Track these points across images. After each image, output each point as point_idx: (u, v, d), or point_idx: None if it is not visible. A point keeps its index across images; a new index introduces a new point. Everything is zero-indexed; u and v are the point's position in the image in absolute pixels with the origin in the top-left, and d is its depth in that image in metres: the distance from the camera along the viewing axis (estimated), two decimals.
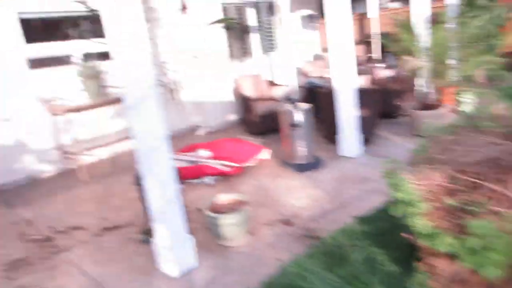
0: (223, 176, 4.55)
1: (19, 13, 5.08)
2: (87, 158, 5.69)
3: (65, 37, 5.80)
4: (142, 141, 2.44)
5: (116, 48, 2.30)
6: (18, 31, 5.07)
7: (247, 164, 4.68)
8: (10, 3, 4.95)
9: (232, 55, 7.35)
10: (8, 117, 5.01)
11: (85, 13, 5.12)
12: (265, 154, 4.96)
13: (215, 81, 6.80)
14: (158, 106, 2.45)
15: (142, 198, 3.51)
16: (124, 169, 5.30)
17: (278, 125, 4.92)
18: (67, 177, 5.30)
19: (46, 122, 5.33)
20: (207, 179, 4.46)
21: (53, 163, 5.47)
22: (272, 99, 6.43)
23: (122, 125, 6.12)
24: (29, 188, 5.01)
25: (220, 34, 6.96)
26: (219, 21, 6.67)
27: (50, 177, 5.38)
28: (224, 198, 3.41)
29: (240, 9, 7.52)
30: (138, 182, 3.42)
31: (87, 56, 5.43)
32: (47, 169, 5.43)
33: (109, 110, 5.94)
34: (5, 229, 3.87)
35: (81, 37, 6.04)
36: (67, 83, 5.41)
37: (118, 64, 2.32)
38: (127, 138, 5.75)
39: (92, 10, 3.07)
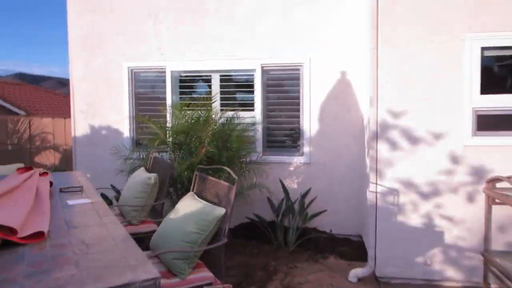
0: None
1: (483, 48, 3.47)
2: None
3: None
4: None
5: None
6: (475, 74, 3.47)
7: None
8: (474, 36, 3.41)
9: None
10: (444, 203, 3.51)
11: None
12: None
13: None
14: None
15: None
16: None
17: None
18: None
19: (475, 209, 3.52)
20: None
21: (467, 270, 3.59)
22: None
23: None
24: None
25: None
26: None
27: None
28: None
29: None
30: None
31: None
32: (453, 277, 3.61)
33: None
34: None
35: None
36: None
37: None
38: None
39: None
